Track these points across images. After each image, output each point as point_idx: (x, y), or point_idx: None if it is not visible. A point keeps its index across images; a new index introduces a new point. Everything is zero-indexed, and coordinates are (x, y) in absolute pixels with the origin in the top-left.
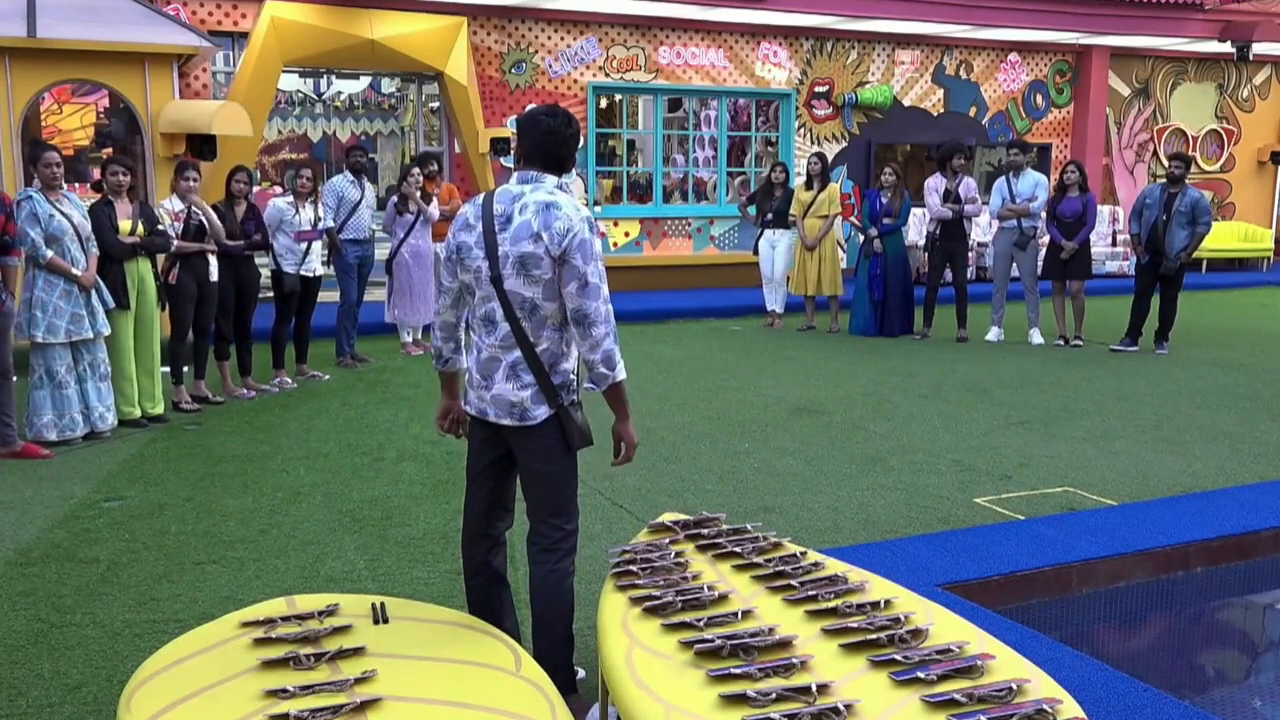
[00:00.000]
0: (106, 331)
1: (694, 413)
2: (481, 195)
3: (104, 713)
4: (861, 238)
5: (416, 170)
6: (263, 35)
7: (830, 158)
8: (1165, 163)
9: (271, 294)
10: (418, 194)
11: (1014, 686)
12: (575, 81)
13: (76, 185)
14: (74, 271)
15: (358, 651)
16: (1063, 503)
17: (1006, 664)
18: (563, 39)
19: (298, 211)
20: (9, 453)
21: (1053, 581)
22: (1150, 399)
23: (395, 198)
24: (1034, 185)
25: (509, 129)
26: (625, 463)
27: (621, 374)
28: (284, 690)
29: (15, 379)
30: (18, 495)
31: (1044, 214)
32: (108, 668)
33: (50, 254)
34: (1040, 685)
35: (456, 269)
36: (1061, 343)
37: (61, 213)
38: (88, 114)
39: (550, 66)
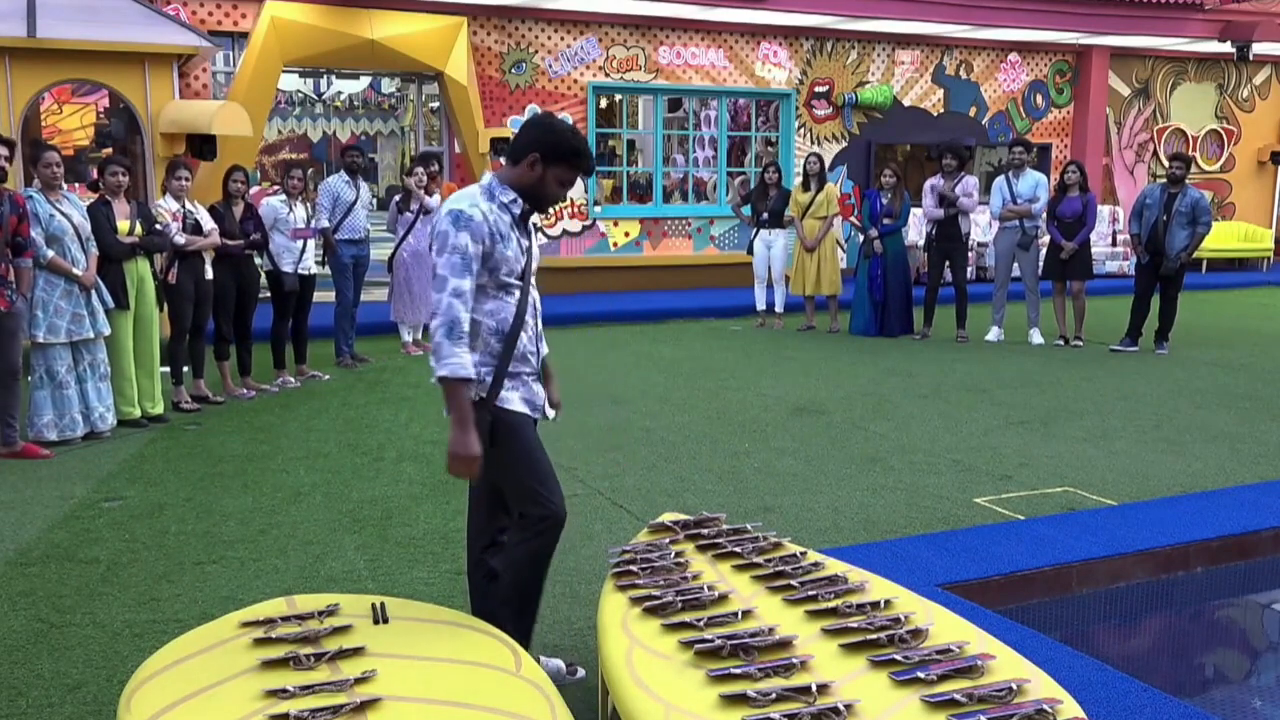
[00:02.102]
0: (107, 331)
1: (694, 412)
2: None
3: (104, 713)
4: (861, 238)
5: (420, 169)
6: (263, 35)
7: (830, 158)
8: (1165, 163)
9: (269, 294)
10: (421, 190)
11: (1014, 686)
12: (575, 81)
13: (77, 185)
14: (75, 271)
15: (358, 651)
16: (1063, 503)
17: (1006, 664)
18: (563, 39)
19: (291, 210)
20: (10, 453)
21: (1053, 581)
22: (1150, 399)
23: (398, 196)
24: (1034, 185)
25: (509, 129)
26: (458, 476)
27: (444, 370)
28: (284, 690)
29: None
30: (18, 495)
31: (1044, 214)
32: (108, 668)
33: (51, 254)
34: (1040, 685)
35: None
36: (1061, 343)
37: (61, 213)
38: (88, 114)
39: (550, 66)
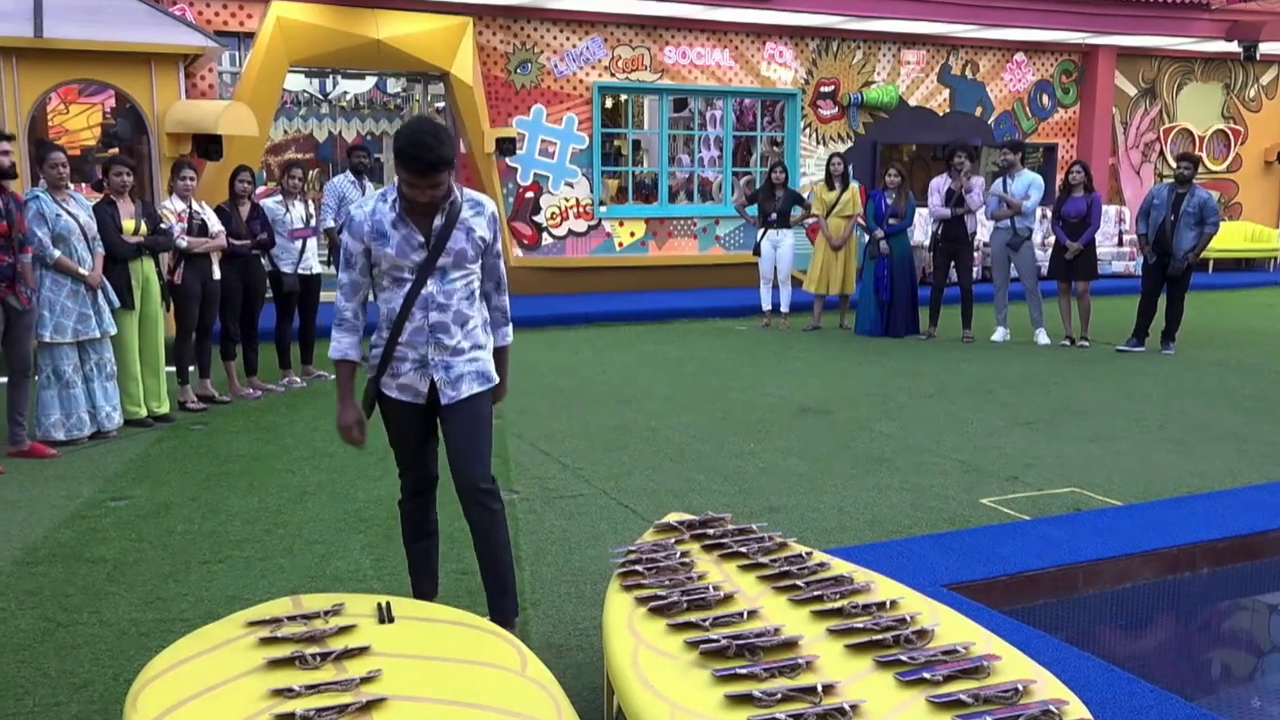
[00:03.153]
0: (113, 331)
1: (699, 413)
2: None
3: (110, 711)
4: (867, 238)
5: None
6: (269, 35)
7: None
8: (1172, 163)
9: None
10: None
11: (1020, 687)
12: (581, 81)
13: (83, 185)
14: (81, 271)
15: (363, 651)
16: (1069, 503)
17: (1012, 665)
18: (568, 39)
19: (288, 210)
20: (17, 452)
21: (1059, 582)
22: (1156, 399)
23: None
24: (1027, 185)
25: (514, 129)
26: (347, 443)
27: (331, 353)
28: (289, 689)
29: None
30: (25, 494)
31: (1049, 214)
32: (114, 667)
33: (58, 254)
34: (1046, 686)
35: None
36: (1067, 343)
37: (68, 213)
38: (94, 114)
39: (555, 66)
